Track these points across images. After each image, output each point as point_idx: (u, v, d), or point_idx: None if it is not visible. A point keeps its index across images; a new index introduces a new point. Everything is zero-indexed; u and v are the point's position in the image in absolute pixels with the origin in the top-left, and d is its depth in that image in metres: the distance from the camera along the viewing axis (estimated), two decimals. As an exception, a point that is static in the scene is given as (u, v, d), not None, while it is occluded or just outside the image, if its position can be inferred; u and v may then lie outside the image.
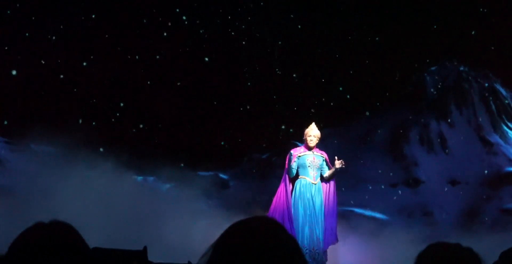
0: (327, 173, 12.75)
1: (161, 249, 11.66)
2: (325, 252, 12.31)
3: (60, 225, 2.36)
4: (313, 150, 12.77)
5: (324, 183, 12.75)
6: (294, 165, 12.51)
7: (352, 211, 23.73)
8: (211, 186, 24.00)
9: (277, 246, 2.10)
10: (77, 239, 2.37)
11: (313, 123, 12.93)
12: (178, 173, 22.34)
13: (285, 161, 12.87)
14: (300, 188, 12.51)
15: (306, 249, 11.82)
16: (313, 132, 12.75)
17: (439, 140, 28.65)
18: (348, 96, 27.52)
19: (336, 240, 12.60)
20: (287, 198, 12.42)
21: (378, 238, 15.52)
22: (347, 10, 28.90)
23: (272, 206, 12.67)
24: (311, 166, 12.65)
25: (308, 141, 12.71)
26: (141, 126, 24.96)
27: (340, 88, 27.61)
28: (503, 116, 29.66)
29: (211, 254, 2.18)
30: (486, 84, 30.36)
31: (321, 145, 13.37)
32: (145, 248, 7.08)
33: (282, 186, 12.70)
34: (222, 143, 26.19)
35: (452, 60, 30.60)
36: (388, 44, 28.63)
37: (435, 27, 29.12)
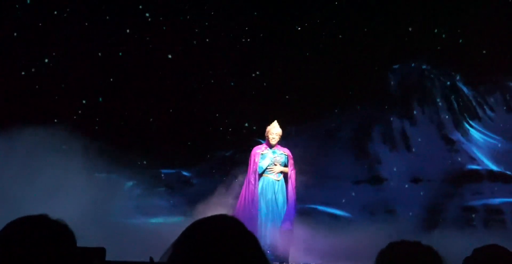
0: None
1: (122, 247, 11.60)
2: (286, 251, 12.30)
3: (54, 222, 2.40)
4: (275, 147, 12.78)
5: (286, 180, 12.78)
6: (262, 163, 12.56)
7: (315, 208, 23.80)
8: (174, 184, 23.95)
9: (237, 244, 2.11)
10: (69, 238, 2.39)
11: (275, 121, 12.94)
12: (141, 171, 22.25)
13: (248, 158, 12.87)
14: (263, 185, 12.54)
15: (268, 247, 11.82)
16: (275, 130, 12.76)
17: (401, 138, 28.83)
18: (311, 94, 27.51)
19: (292, 226, 12.61)
20: (252, 196, 12.42)
21: (340, 235, 15.58)
22: (312, 8, 28.96)
23: (238, 204, 12.68)
24: (273, 163, 12.68)
25: (270, 139, 12.72)
26: (103, 123, 24.79)
27: (304, 86, 27.58)
28: (465, 114, 29.91)
29: (171, 252, 2.17)
30: (448, 83, 30.60)
31: (285, 143, 13.40)
32: (103, 248, 7.03)
33: (246, 184, 12.70)
34: (185, 140, 26.10)
35: (415, 58, 30.79)
36: (351, 42, 28.73)
37: (398, 25, 29.24)
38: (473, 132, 29.30)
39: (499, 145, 28.55)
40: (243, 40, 28.32)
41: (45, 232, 2.30)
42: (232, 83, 27.23)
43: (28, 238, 2.26)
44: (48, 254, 2.23)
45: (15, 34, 23.94)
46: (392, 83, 30.76)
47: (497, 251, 3.20)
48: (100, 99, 25.04)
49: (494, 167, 26.96)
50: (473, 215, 24.51)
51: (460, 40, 28.65)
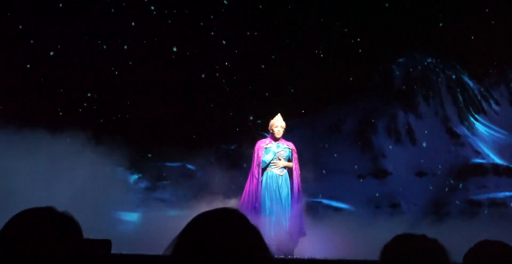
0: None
1: (127, 239, 11.61)
2: (292, 243, 12.28)
3: (60, 214, 2.41)
4: (280, 141, 12.68)
5: (290, 175, 12.71)
6: (265, 157, 12.47)
7: (320, 202, 23.79)
8: (179, 177, 23.94)
9: (240, 237, 2.10)
10: (75, 230, 2.41)
11: (279, 114, 12.79)
12: (146, 164, 22.24)
13: (252, 152, 12.80)
14: (266, 179, 12.44)
15: (273, 240, 11.76)
16: (279, 123, 12.61)
17: (406, 131, 28.81)
18: (316, 87, 27.50)
19: (305, 233, 12.56)
20: (256, 190, 12.35)
21: (345, 229, 15.55)
22: (318, 1, 28.95)
23: (242, 198, 12.61)
24: (277, 158, 12.61)
25: (275, 132, 12.57)
26: (108, 116, 24.80)
27: (308, 79, 27.56)
28: (470, 108, 29.90)
29: (175, 245, 2.17)
30: (454, 76, 30.57)
31: (289, 136, 13.33)
32: (108, 241, 7.01)
33: (250, 178, 12.63)
34: (190, 133, 26.09)
35: (420, 51, 30.76)
36: (356, 35, 28.72)
37: (403, 18, 29.19)
38: (478, 125, 29.29)
39: (505, 138, 28.53)
40: (248, 33, 28.29)
41: (52, 224, 2.32)
42: (237, 76, 27.19)
43: (34, 230, 2.27)
44: (54, 246, 2.24)
45: (20, 26, 23.93)
46: (397, 76, 30.74)
47: (499, 247, 3.19)
48: (104, 92, 25.01)
49: (499, 161, 26.94)
50: (478, 209, 24.48)
51: (466, 34, 28.60)
